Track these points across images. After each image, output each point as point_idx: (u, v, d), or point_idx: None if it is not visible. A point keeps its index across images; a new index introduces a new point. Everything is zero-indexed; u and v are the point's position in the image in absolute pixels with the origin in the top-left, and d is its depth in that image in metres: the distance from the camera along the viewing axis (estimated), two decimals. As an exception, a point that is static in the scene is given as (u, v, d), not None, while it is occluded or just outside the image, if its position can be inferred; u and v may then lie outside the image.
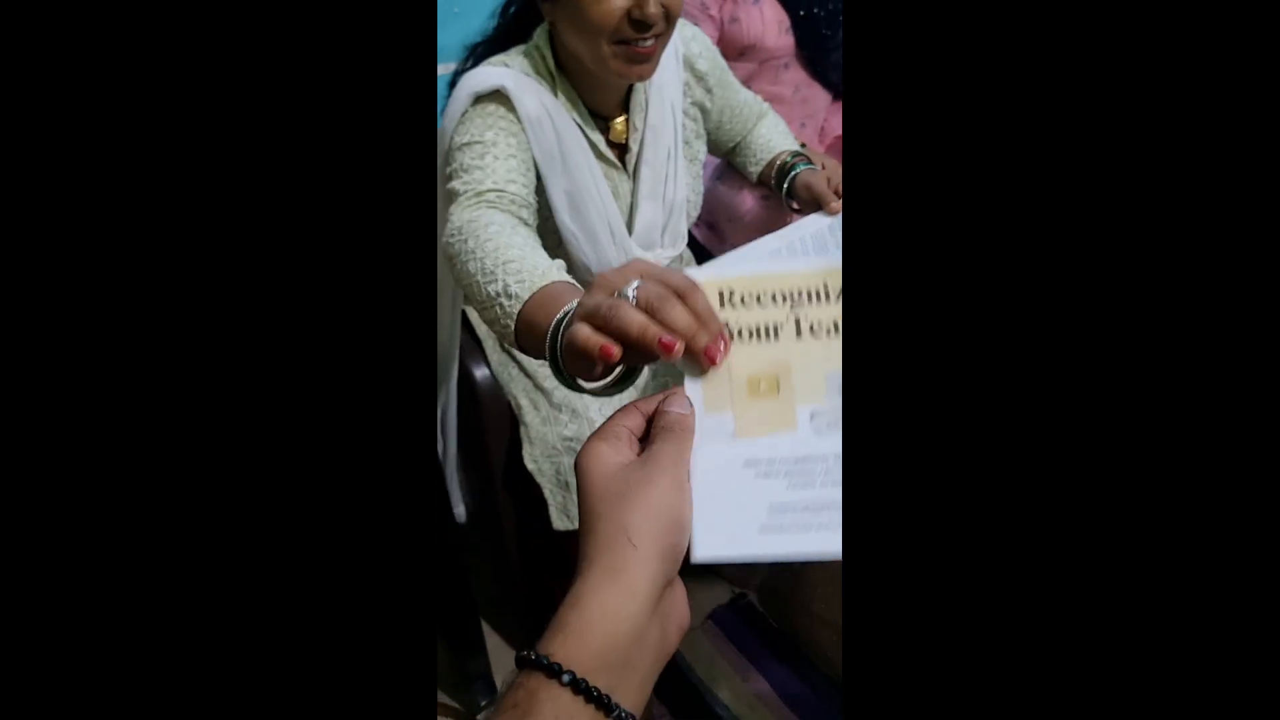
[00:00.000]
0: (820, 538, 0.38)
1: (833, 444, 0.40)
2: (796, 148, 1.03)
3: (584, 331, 0.40)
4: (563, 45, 0.82)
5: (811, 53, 1.29)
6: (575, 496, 0.82)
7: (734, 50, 1.27)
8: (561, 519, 1.01)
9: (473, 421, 1.09)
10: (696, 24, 1.23)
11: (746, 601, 1.34)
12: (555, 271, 0.61)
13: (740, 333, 0.41)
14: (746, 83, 1.30)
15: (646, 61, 0.77)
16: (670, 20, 0.76)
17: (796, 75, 1.31)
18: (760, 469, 0.39)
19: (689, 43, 0.94)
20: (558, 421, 1.00)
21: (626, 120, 0.88)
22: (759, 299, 0.41)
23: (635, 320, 0.37)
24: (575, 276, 0.66)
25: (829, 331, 0.41)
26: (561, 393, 1.00)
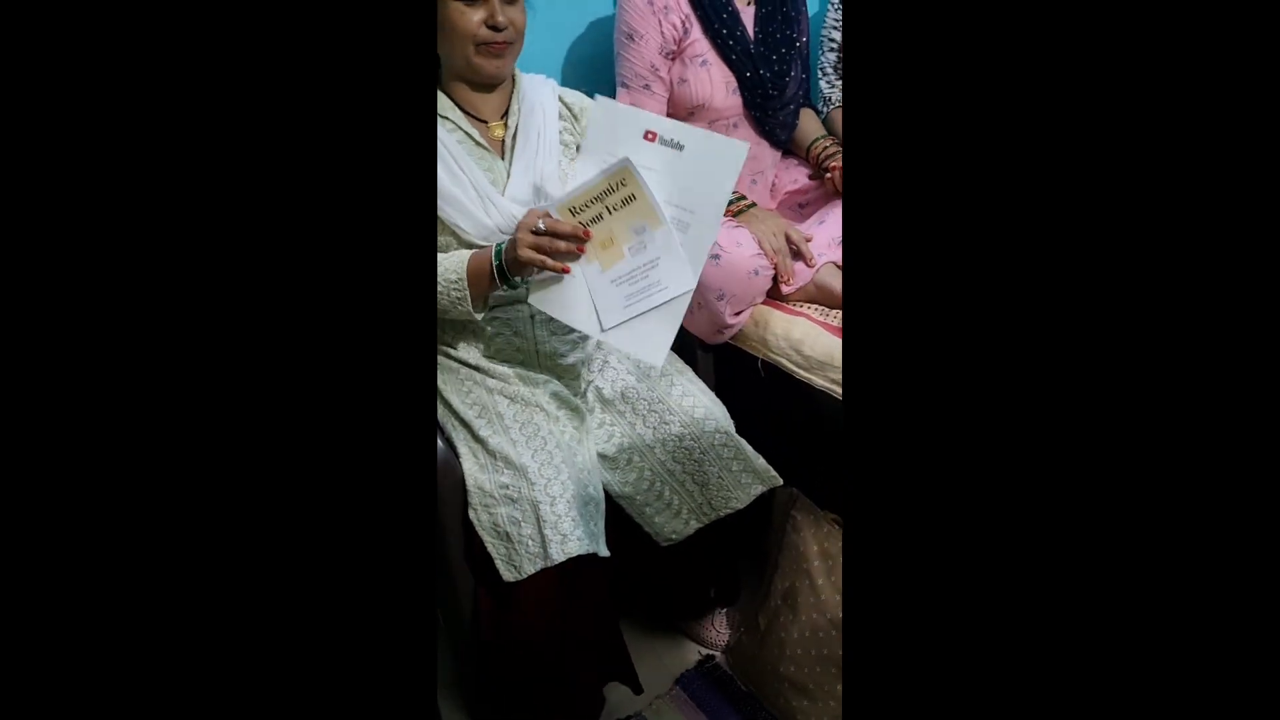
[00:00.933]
0: (645, 303, 0.90)
1: (640, 259, 0.89)
2: None
3: (528, 253, 0.90)
4: (445, 64, 1.05)
5: (759, 112, 1.31)
6: (516, 546, 0.97)
7: (683, 110, 1.29)
8: (509, 570, 0.98)
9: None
10: (647, 85, 1.25)
11: (714, 664, 1.28)
12: (458, 255, 1.00)
13: (590, 222, 0.89)
14: (697, 141, 1.33)
15: (501, 58, 1.02)
16: (517, 29, 1.02)
17: (745, 133, 1.33)
18: (616, 282, 0.91)
19: (559, 87, 1.16)
20: (495, 469, 1.00)
21: (504, 123, 1.10)
22: (587, 205, 0.89)
23: (566, 228, 0.89)
24: (450, 236, 1.04)
25: (622, 203, 0.88)
26: (496, 441, 1.02)
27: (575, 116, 1.13)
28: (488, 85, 1.05)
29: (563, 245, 0.88)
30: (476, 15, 0.98)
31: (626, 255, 0.88)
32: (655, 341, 0.91)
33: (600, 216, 0.88)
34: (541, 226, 0.88)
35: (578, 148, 1.12)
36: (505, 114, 1.09)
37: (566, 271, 0.90)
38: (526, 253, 0.89)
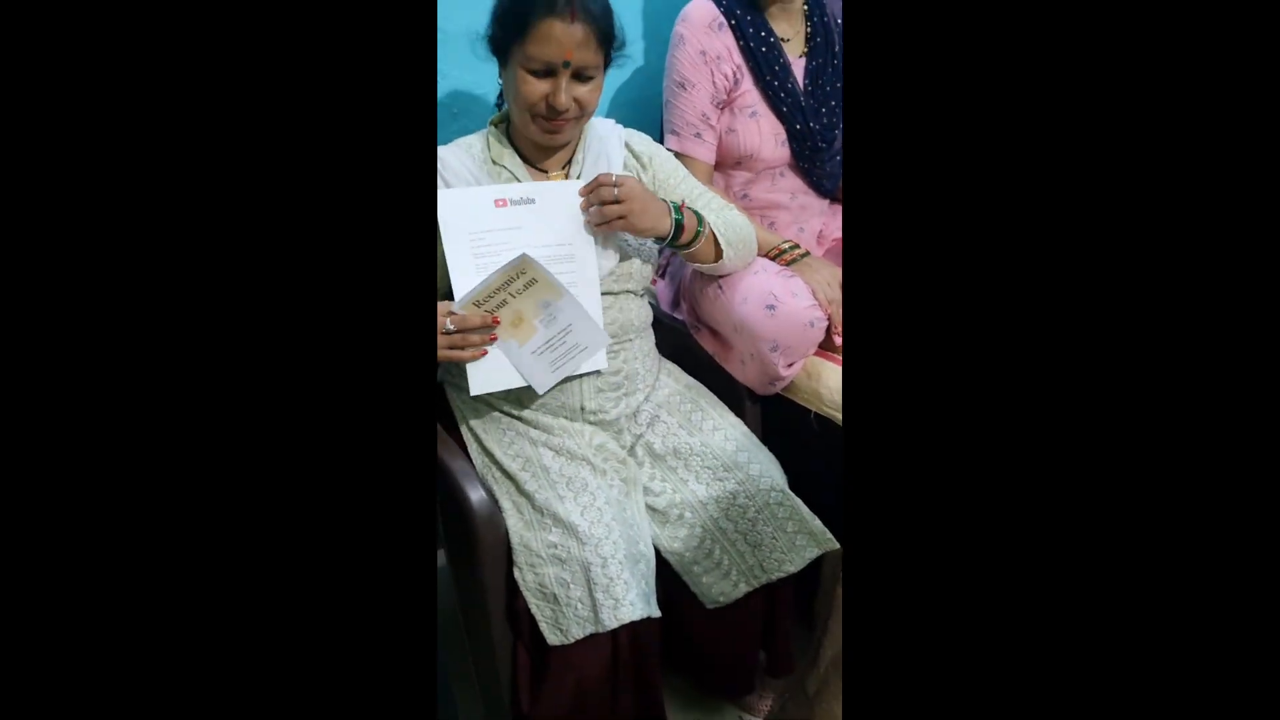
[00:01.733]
0: (570, 365, 0.99)
1: (553, 329, 0.96)
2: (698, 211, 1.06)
3: (445, 354, 0.92)
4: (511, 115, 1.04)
5: (806, 164, 1.29)
6: (564, 609, 0.91)
7: (731, 159, 1.27)
8: (554, 633, 0.92)
9: (466, 546, 0.99)
10: (698, 134, 1.23)
11: (755, 731, 1.21)
12: None
13: (496, 309, 0.93)
14: (745, 188, 1.31)
15: (558, 132, 0.98)
16: (582, 107, 0.96)
17: (792, 183, 1.31)
18: (537, 353, 0.97)
19: (628, 132, 1.12)
20: (541, 526, 0.95)
21: (565, 173, 1.06)
22: (489, 296, 0.92)
23: (476, 322, 0.92)
24: None
25: (524, 288, 0.92)
26: (543, 496, 0.97)
27: (643, 165, 1.09)
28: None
29: (475, 338, 0.92)
30: (541, 88, 0.93)
31: (539, 329, 0.95)
32: (594, 358, 1.01)
33: (505, 302, 0.93)
34: (450, 326, 0.90)
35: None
36: (569, 163, 1.06)
37: (483, 354, 0.94)
38: (444, 353, 0.91)
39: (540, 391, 0.98)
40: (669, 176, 1.10)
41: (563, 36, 0.89)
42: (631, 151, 1.09)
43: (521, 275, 0.91)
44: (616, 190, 0.94)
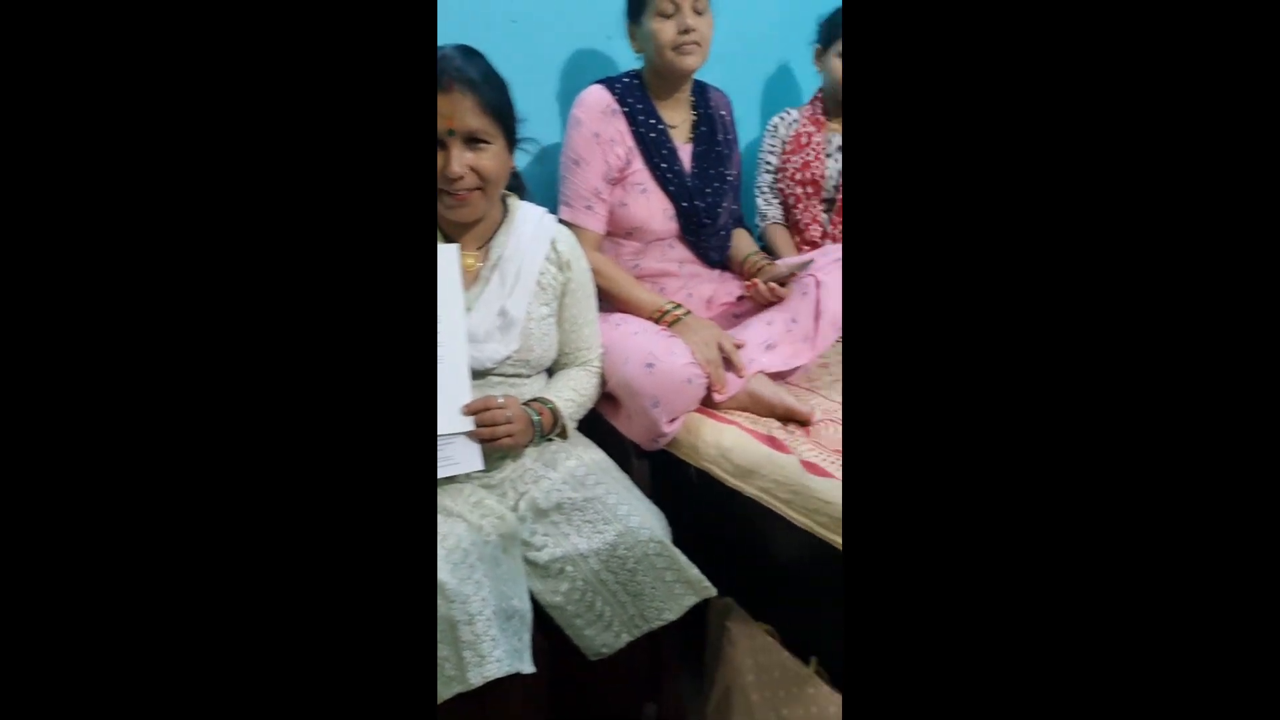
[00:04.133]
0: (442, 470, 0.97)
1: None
2: (553, 402, 1.07)
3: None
4: None
5: (694, 237, 1.34)
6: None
7: (623, 229, 1.31)
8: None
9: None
10: (589, 206, 1.26)
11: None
12: None
13: None
14: (636, 258, 1.33)
15: (465, 205, 0.97)
16: (482, 176, 0.95)
17: (681, 253, 1.35)
18: None
19: (558, 229, 1.10)
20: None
21: (484, 251, 1.05)
22: None
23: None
24: None
25: None
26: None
27: (561, 266, 1.08)
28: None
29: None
30: (440, 162, 0.94)
31: None
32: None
33: None
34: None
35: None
36: (489, 243, 1.05)
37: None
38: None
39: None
40: (579, 289, 1.10)
41: (443, 107, 0.92)
42: (555, 250, 1.08)
43: None
44: (509, 413, 0.98)
